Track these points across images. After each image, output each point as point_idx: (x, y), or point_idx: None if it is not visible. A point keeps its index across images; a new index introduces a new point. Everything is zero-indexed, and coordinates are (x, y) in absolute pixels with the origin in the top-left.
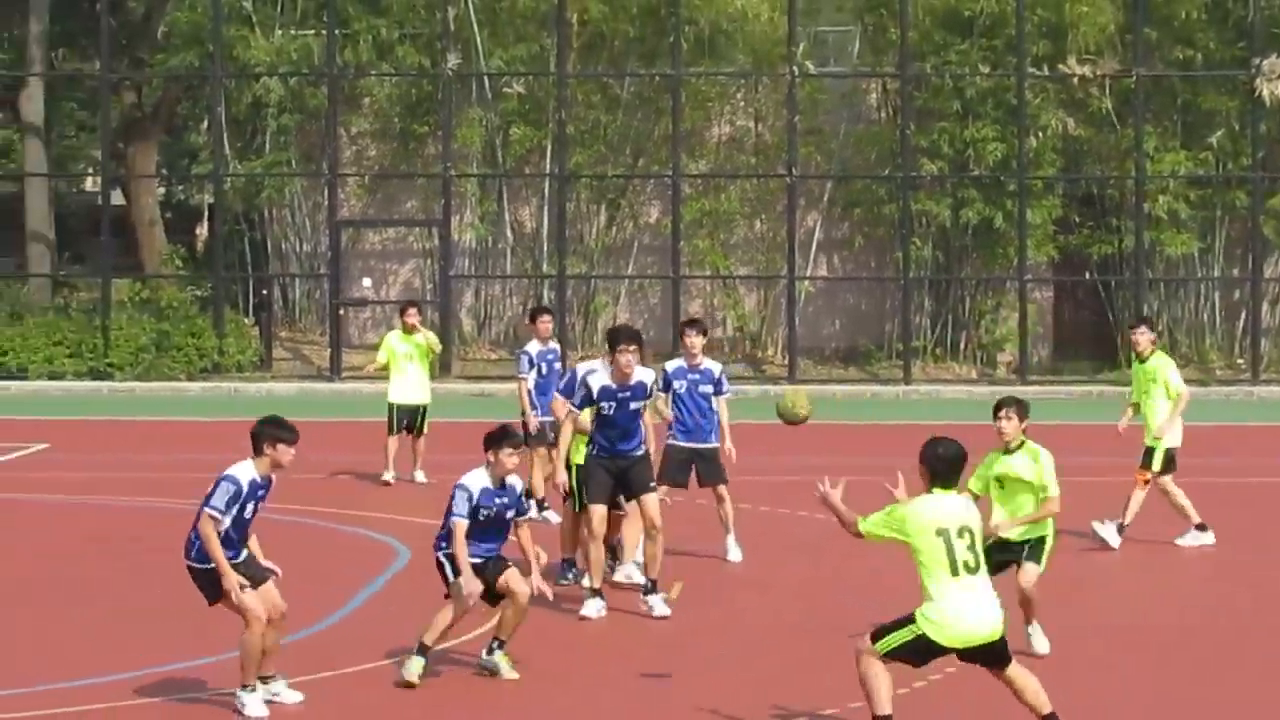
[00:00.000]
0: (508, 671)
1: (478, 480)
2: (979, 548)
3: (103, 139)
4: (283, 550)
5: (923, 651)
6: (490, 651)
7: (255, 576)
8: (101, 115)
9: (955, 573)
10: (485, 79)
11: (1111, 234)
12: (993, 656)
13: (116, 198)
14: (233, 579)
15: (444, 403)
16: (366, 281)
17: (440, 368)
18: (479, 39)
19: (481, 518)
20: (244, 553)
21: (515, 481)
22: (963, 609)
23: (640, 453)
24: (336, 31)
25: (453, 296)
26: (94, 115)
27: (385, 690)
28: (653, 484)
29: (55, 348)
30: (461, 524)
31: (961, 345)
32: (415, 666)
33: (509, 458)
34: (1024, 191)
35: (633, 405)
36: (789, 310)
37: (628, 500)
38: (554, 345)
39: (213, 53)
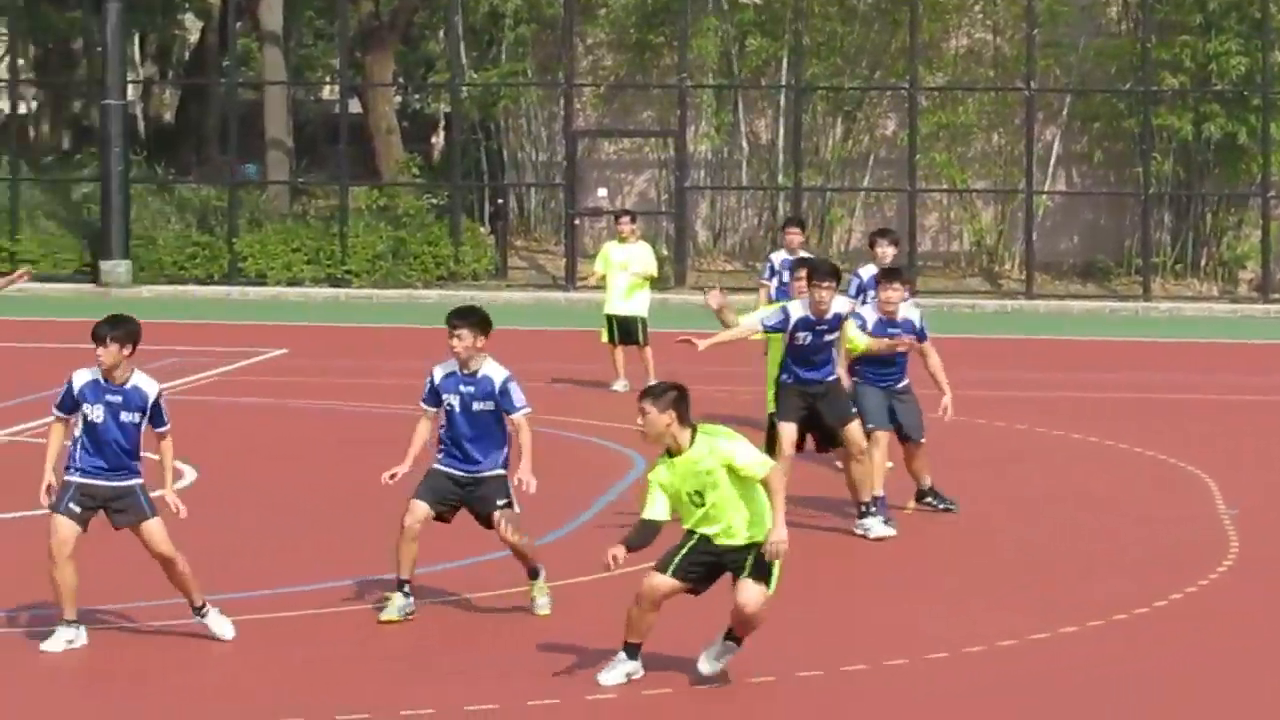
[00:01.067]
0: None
1: None
2: None
3: (340, 47)
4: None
5: None
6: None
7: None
8: (339, 23)
9: None
10: None
11: None
12: None
13: (354, 106)
14: (44, 484)
15: (677, 313)
16: (602, 191)
17: (675, 278)
18: None
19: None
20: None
21: None
22: None
23: (832, 378)
24: None
25: (688, 207)
26: (332, 23)
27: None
28: (852, 409)
29: (293, 254)
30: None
31: (1202, 262)
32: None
33: None
34: (1268, 106)
35: (827, 337)
36: (1026, 225)
37: (824, 430)
38: (803, 255)
39: None
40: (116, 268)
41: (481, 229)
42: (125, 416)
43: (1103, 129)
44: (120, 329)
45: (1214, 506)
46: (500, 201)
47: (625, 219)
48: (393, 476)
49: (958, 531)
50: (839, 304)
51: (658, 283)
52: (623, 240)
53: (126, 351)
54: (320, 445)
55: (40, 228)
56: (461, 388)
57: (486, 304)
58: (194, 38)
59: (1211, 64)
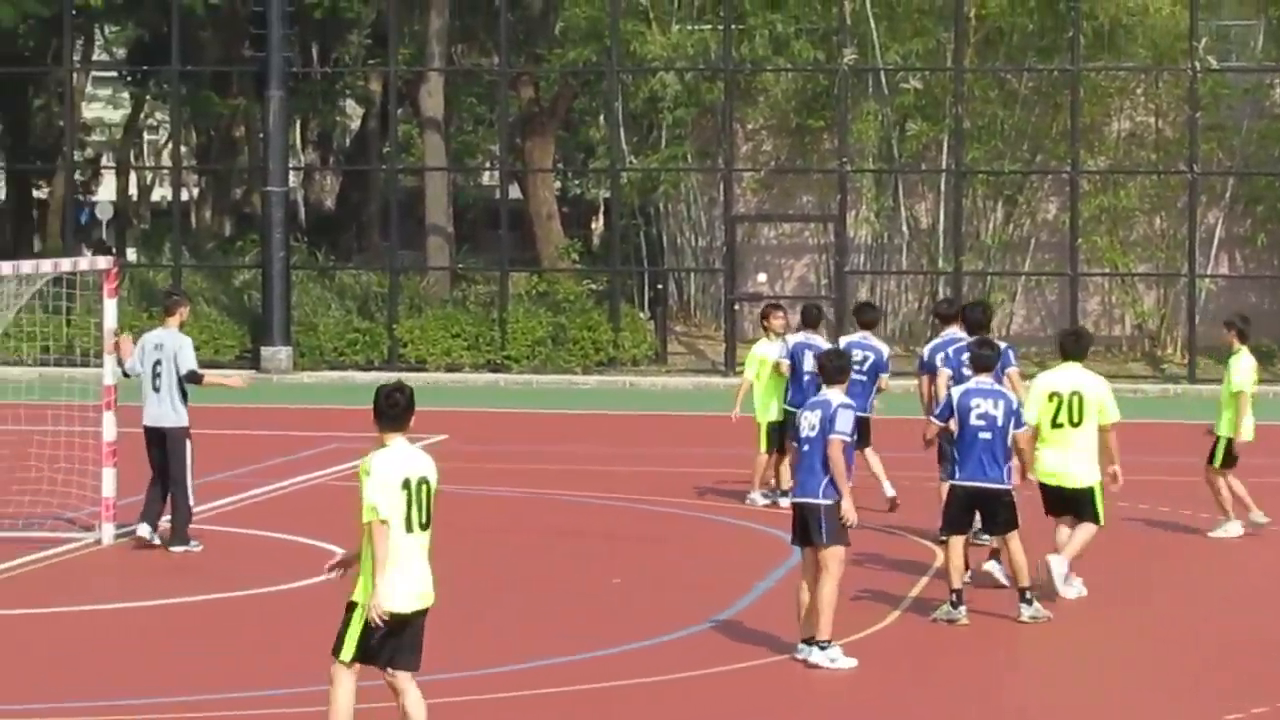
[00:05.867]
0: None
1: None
2: None
3: (500, 133)
4: (676, 542)
5: None
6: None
7: None
8: (499, 110)
9: None
10: (882, 74)
11: None
12: None
13: (514, 191)
14: None
15: None
16: (761, 276)
17: None
18: (875, 33)
19: None
20: None
21: None
22: None
23: None
24: (733, 26)
25: (848, 292)
26: (492, 110)
27: (779, 685)
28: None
29: (453, 340)
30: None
31: None
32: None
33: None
34: None
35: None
36: (1189, 309)
37: None
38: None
39: (610, 47)
40: (277, 353)
41: (641, 314)
42: None
43: (1266, 211)
44: None
45: None
46: (660, 287)
47: (777, 312)
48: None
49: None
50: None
51: None
52: (776, 336)
53: None
54: (479, 530)
55: (202, 313)
56: None
57: (645, 390)
58: (355, 124)
59: None
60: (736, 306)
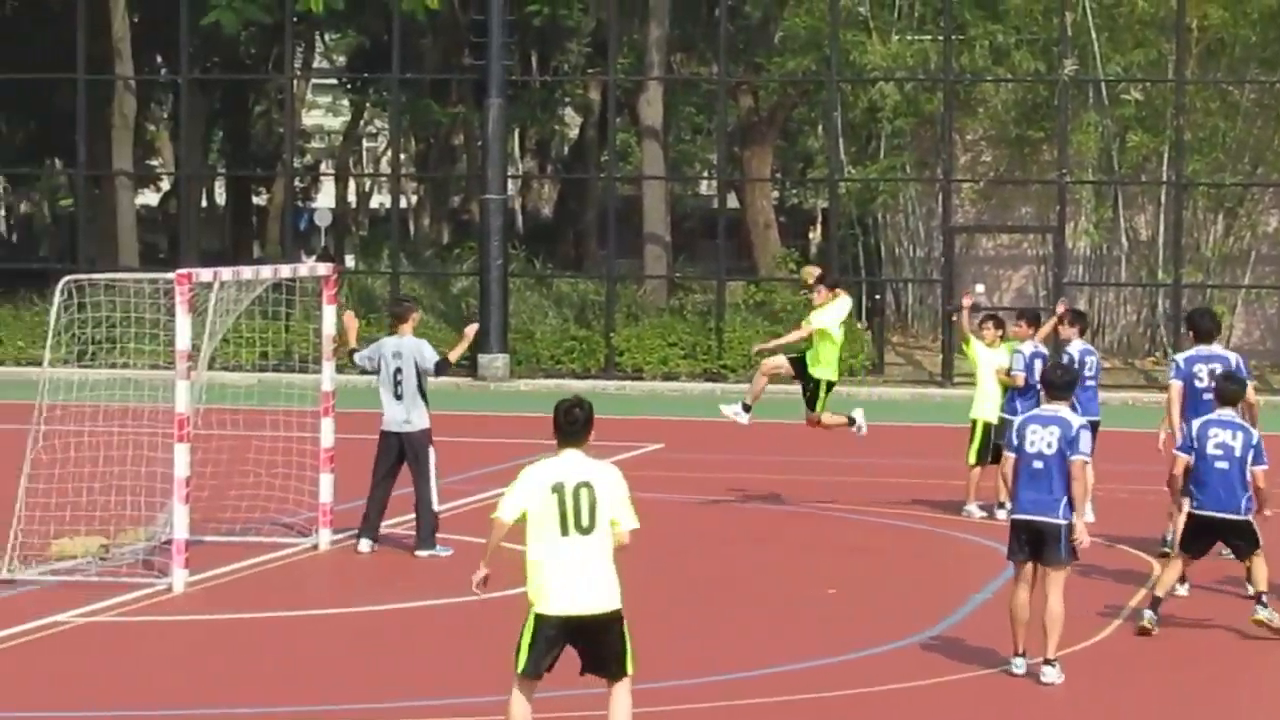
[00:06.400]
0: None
1: None
2: None
3: (719, 142)
4: (891, 552)
5: None
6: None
7: None
8: (718, 119)
9: None
10: (1102, 84)
11: None
12: None
13: (731, 201)
14: None
15: None
16: (979, 287)
17: None
18: (1097, 44)
19: None
20: None
21: None
22: None
23: None
24: (953, 37)
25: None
26: (710, 119)
27: (996, 698)
28: None
29: (670, 348)
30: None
31: None
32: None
33: None
34: None
35: None
36: None
37: None
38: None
39: (829, 57)
40: (494, 361)
41: (858, 324)
42: None
43: None
44: None
45: None
46: (877, 297)
47: (989, 324)
48: None
49: None
50: None
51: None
52: (990, 345)
53: None
54: (693, 537)
55: (419, 319)
56: None
57: (863, 400)
58: (573, 133)
59: None
60: (954, 317)
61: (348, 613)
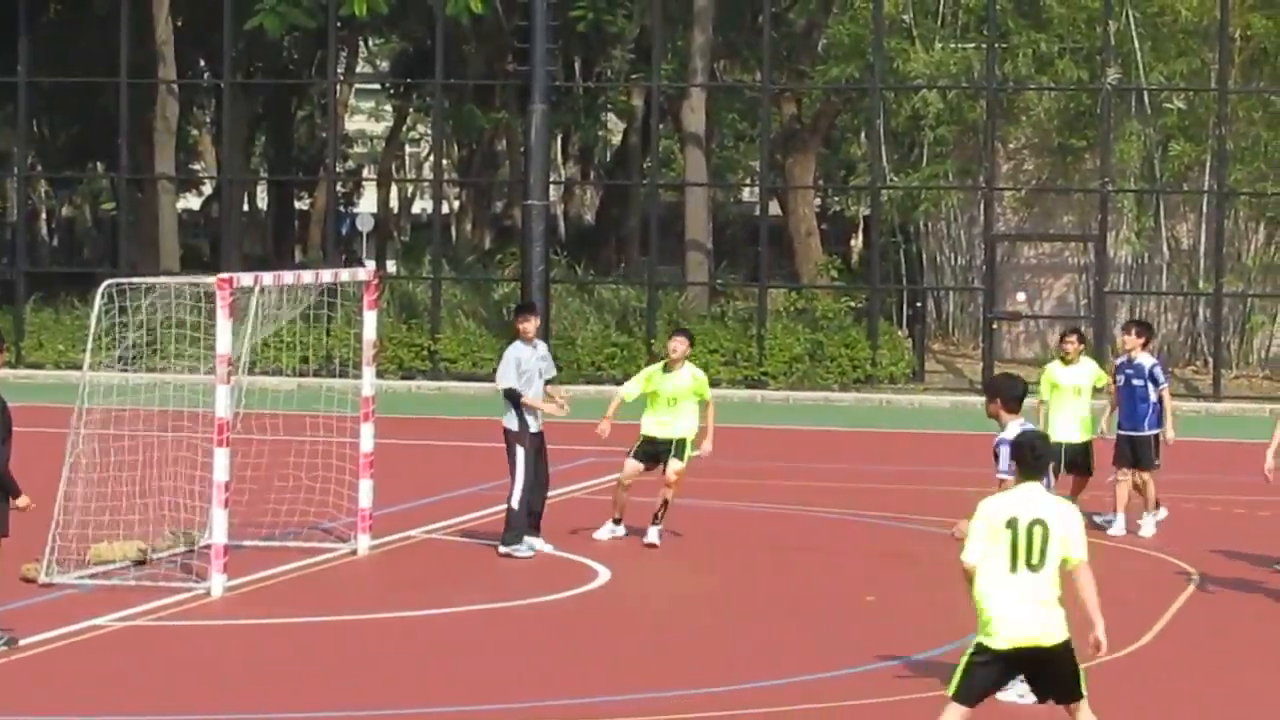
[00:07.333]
0: None
1: None
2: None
3: (761, 149)
4: (930, 561)
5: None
6: None
7: None
8: (761, 126)
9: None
10: (1145, 93)
11: None
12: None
13: (773, 208)
14: None
15: None
16: (1021, 295)
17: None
18: (1140, 53)
19: None
20: None
21: None
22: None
23: None
24: (996, 45)
25: (1107, 312)
26: (753, 126)
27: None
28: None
29: (711, 355)
30: None
31: None
32: None
33: None
34: None
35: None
36: None
37: None
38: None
39: (873, 65)
40: None
41: (899, 332)
42: None
43: None
44: None
45: None
46: (919, 305)
47: (1072, 337)
48: None
49: None
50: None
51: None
52: (1067, 361)
53: None
54: (736, 544)
55: (460, 326)
56: None
57: (902, 408)
58: (616, 139)
59: None
60: (995, 326)
61: (386, 618)
